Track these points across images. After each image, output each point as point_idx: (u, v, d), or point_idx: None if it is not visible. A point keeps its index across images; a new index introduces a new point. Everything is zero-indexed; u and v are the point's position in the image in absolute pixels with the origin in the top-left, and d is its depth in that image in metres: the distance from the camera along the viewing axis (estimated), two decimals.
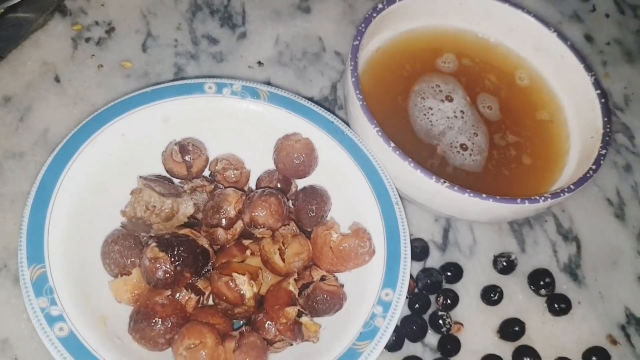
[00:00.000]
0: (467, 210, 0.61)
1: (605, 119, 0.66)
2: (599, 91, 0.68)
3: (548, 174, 0.70)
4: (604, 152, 0.64)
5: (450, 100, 0.71)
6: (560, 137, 0.72)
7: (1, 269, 0.61)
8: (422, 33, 0.76)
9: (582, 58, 0.71)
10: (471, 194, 0.58)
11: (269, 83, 0.77)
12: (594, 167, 0.63)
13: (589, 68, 0.70)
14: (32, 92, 0.71)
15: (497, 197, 0.58)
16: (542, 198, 0.60)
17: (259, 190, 0.58)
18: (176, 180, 0.63)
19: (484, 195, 0.58)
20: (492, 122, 0.72)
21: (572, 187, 0.61)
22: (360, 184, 0.61)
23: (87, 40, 0.76)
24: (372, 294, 0.55)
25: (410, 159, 0.59)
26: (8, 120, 0.69)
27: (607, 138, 0.65)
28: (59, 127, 0.69)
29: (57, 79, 0.73)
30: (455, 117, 0.70)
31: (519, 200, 0.59)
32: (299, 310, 0.54)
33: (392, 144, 0.59)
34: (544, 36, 0.73)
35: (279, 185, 0.63)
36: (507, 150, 0.70)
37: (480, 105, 0.72)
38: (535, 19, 0.73)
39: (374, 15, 0.68)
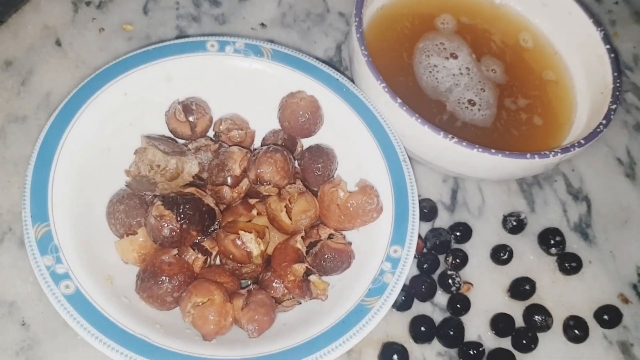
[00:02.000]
0: (475, 166, 0.60)
1: (615, 74, 0.65)
2: (608, 46, 0.67)
3: (556, 133, 0.69)
4: (614, 107, 0.63)
5: (455, 57, 0.70)
6: (567, 96, 0.71)
7: (6, 232, 0.61)
8: None
9: (591, 13, 0.69)
10: (480, 149, 0.57)
11: None
12: (604, 122, 0.61)
13: (598, 23, 0.68)
14: (33, 56, 0.70)
15: (507, 152, 0.57)
16: (552, 153, 0.58)
17: (264, 147, 0.57)
18: (180, 141, 0.62)
19: (492, 151, 0.57)
20: (500, 85, 0.70)
21: (582, 141, 0.60)
22: (367, 141, 0.60)
23: (88, 4, 0.75)
24: (381, 251, 0.55)
25: (417, 115, 0.58)
26: (10, 84, 0.68)
27: (617, 93, 0.63)
28: (61, 90, 0.68)
29: (58, 43, 0.72)
30: (461, 74, 0.69)
31: (528, 155, 0.58)
32: (306, 267, 0.53)
33: (399, 100, 0.58)
34: None
35: (284, 145, 0.62)
36: (517, 114, 0.69)
37: (484, 69, 0.71)
38: None
39: None
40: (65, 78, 0.69)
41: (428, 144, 0.59)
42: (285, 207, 0.55)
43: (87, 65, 0.71)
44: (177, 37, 0.74)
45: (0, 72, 0.69)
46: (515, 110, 0.69)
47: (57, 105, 0.65)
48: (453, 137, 0.57)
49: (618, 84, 0.64)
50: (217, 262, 0.58)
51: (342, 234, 0.58)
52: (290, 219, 0.55)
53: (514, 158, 0.58)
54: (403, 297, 0.61)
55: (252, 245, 0.53)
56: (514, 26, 0.75)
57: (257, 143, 0.64)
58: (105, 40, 0.73)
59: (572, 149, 0.59)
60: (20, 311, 0.57)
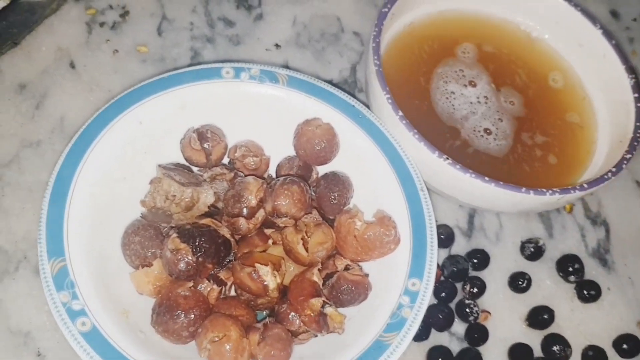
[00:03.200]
0: (492, 200, 0.60)
1: (638, 124, 0.63)
2: (636, 95, 0.65)
3: (569, 174, 0.67)
4: (628, 156, 0.61)
5: (474, 85, 0.69)
6: (587, 140, 0.69)
7: (21, 260, 0.60)
8: (460, 16, 0.74)
9: (625, 59, 0.67)
10: (497, 184, 0.56)
11: (286, 66, 0.75)
12: (613, 169, 0.60)
13: (630, 70, 0.66)
14: (47, 79, 0.70)
15: (516, 186, 0.57)
16: (550, 192, 0.57)
17: (281, 179, 0.56)
18: (195, 168, 0.61)
19: (510, 185, 0.56)
20: (519, 117, 0.69)
21: (585, 185, 0.58)
22: (383, 169, 0.59)
23: (102, 24, 0.75)
24: (399, 284, 0.54)
25: (438, 151, 0.57)
26: (24, 108, 0.68)
27: (635, 143, 0.62)
28: (76, 114, 0.68)
29: (72, 65, 0.71)
30: (479, 102, 0.68)
31: (523, 190, 0.56)
32: (323, 301, 0.53)
33: (416, 133, 0.57)
34: (589, 32, 0.70)
35: (299, 172, 0.61)
36: (532, 149, 0.68)
37: (503, 99, 0.69)
38: (582, 14, 0.69)
39: None
40: (80, 101, 0.69)
41: (446, 178, 0.59)
42: (301, 239, 0.55)
43: (101, 88, 0.70)
44: (192, 59, 0.74)
45: (15, 95, 0.68)
46: (531, 145, 0.68)
47: (71, 130, 0.66)
48: (473, 173, 0.56)
49: (638, 135, 0.62)
50: (232, 292, 0.57)
51: (358, 265, 0.57)
52: (307, 251, 0.55)
53: (510, 190, 0.57)
54: (420, 327, 0.60)
55: (269, 278, 0.53)
56: (545, 63, 0.73)
57: (271, 169, 0.63)
58: (120, 61, 0.73)
59: (572, 191, 0.58)
60: (35, 341, 0.57)
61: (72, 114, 0.68)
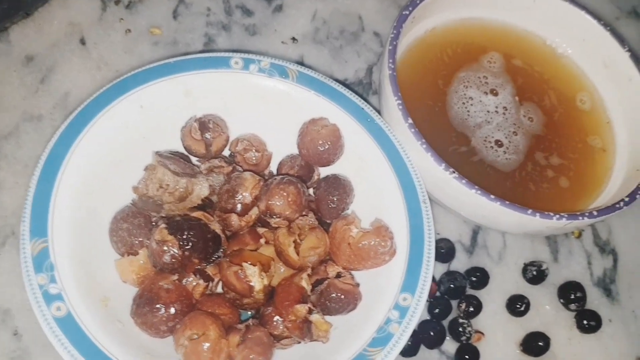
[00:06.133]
0: (496, 219, 0.57)
1: None
2: None
3: (581, 198, 0.64)
4: None
5: (495, 94, 0.66)
6: (604, 166, 0.66)
7: (9, 236, 0.59)
8: (484, 25, 0.71)
9: None
10: (502, 204, 0.54)
11: (301, 61, 0.73)
12: (626, 199, 0.57)
13: None
14: (55, 53, 0.69)
15: (522, 207, 0.54)
16: (557, 216, 0.54)
17: (278, 177, 0.54)
18: (194, 159, 0.60)
19: (515, 205, 0.54)
20: (536, 135, 0.66)
21: (595, 213, 0.56)
22: (386, 177, 0.57)
23: (117, 2, 0.73)
24: (389, 297, 0.52)
25: (445, 163, 0.54)
26: (29, 80, 0.67)
27: None
28: (81, 91, 0.67)
29: (83, 41, 0.70)
30: (497, 112, 0.66)
31: (529, 212, 0.54)
32: (309, 308, 0.51)
33: (424, 143, 0.55)
34: (616, 54, 0.66)
35: (300, 172, 0.59)
36: (544, 170, 0.65)
37: (522, 113, 0.67)
38: (610, 34, 0.66)
39: None
40: (86, 79, 0.68)
41: (451, 192, 0.56)
42: (294, 242, 0.53)
43: (109, 68, 0.69)
44: (205, 46, 0.72)
45: (21, 67, 0.67)
46: (543, 165, 0.65)
47: (74, 107, 0.64)
48: (479, 190, 0.54)
49: None
50: (219, 288, 0.56)
51: (350, 274, 0.55)
52: (298, 254, 0.53)
53: (515, 211, 0.54)
54: (410, 342, 0.58)
55: (255, 279, 0.51)
56: (572, 83, 0.70)
57: (273, 166, 0.62)
58: (131, 42, 0.71)
59: (579, 218, 0.55)
60: (14, 320, 0.56)
61: (76, 91, 0.67)
